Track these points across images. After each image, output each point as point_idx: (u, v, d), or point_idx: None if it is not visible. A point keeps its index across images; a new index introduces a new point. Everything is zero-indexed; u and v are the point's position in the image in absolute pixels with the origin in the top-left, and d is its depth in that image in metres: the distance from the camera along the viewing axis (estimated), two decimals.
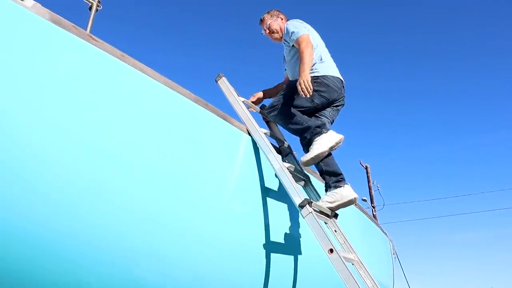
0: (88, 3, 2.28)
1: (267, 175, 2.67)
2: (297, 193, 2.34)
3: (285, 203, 2.76)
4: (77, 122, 1.78)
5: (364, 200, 19.35)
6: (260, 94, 3.51)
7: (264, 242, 2.51)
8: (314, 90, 2.83)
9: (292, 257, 2.76)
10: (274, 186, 2.72)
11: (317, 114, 3.11)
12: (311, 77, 2.89)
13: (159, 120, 2.13)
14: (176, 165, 2.14)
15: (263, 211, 2.56)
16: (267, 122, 3.24)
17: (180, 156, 2.18)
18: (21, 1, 1.74)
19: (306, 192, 2.89)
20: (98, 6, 2.29)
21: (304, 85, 2.70)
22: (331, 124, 3.28)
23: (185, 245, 2.12)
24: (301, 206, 2.28)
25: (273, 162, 2.49)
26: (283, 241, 2.67)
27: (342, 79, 3.21)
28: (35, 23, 1.75)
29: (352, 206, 4.14)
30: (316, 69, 3.06)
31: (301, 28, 3.09)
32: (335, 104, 3.19)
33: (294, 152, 3.10)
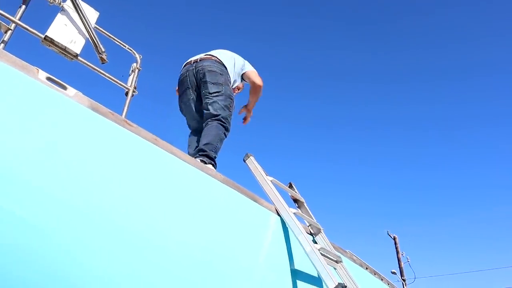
0: (125, 89, 2.39)
1: (298, 256, 2.59)
2: (330, 277, 2.25)
3: (318, 287, 2.65)
4: (112, 206, 1.79)
5: (393, 273, 18.53)
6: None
7: None
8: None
9: None
10: (305, 269, 2.62)
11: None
12: None
13: (188, 201, 2.13)
14: (204, 247, 2.11)
15: None
16: (296, 201, 3.21)
17: (208, 238, 2.15)
18: (64, 91, 1.83)
19: (339, 274, 2.78)
20: (134, 91, 2.39)
21: None
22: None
23: None
24: None
25: (304, 243, 2.42)
26: None
27: (189, 60, 3.51)
28: (77, 110, 1.83)
29: (381, 283, 3.96)
30: None
31: None
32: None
33: (322, 229, 3.03)
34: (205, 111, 3.20)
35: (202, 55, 3.47)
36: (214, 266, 2.11)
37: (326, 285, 2.25)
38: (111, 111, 1.98)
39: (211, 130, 3.07)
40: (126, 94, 2.42)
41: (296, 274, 2.54)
